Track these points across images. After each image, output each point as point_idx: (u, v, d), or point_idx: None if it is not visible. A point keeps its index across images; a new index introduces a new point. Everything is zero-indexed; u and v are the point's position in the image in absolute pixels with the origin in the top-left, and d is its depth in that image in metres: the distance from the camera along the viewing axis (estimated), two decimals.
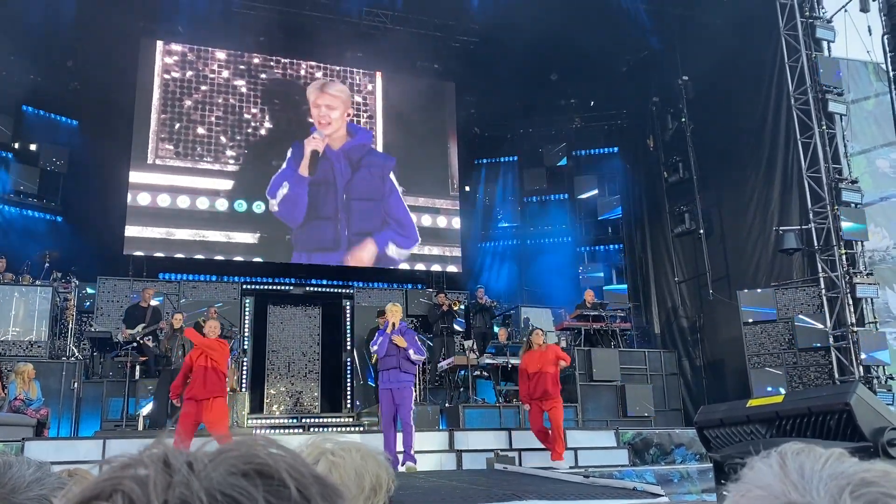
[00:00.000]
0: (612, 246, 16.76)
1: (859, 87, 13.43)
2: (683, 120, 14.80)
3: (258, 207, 13.76)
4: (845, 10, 12.06)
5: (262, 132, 14.27)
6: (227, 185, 13.76)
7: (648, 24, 13.78)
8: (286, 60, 14.65)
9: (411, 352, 7.99)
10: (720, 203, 14.15)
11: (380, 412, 8.31)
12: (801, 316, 11.74)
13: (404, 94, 15.21)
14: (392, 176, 14.64)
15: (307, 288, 14.42)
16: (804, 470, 0.62)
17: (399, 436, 7.90)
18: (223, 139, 13.95)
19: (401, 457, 7.78)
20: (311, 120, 14.50)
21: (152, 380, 10.67)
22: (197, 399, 7.54)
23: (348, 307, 14.29)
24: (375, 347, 8.11)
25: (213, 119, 13.95)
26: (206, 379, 7.56)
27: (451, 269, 14.93)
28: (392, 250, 14.36)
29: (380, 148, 14.89)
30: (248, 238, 13.65)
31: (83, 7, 12.57)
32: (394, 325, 8.05)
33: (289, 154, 14.03)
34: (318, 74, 14.84)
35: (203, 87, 14.05)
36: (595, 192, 16.97)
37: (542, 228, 16.94)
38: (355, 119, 14.86)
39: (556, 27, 13.68)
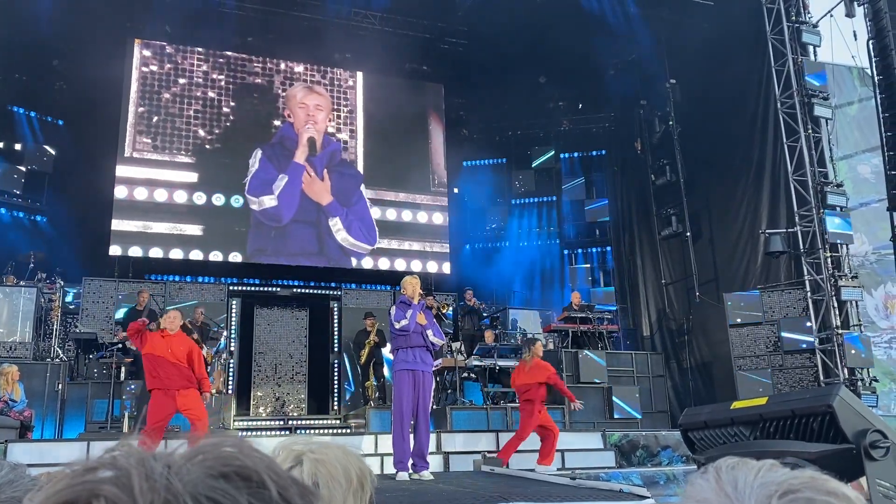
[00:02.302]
0: (599, 248, 16.82)
1: (843, 93, 13.55)
2: (671, 123, 14.87)
3: (236, 202, 13.72)
4: (831, 15, 12.16)
5: (240, 127, 14.18)
6: (206, 179, 13.66)
7: (636, 27, 13.84)
8: (270, 60, 14.60)
9: (430, 332, 6.90)
10: (708, 206, 14.22)
11: (396, 399, 6.87)
12: (785, 333, 11.81)
13: (392, 95, 15.19)
14: (363, 189, 14.59)
15: (294, 289, 14.37)
16: (737, 482, 0.65)
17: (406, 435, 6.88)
18: (202, 132, 13.88)
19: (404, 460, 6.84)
20: (289, 120, 14.38)
21: (138, 381, 10.60)
22: (165, 389, 7.22)
23: (335, 309, 14.25)
24: (405, 322, 6.78)
25: (191, 113, 13.88)
26: (165, 370, 7.21)
27: (432, 265, 14.85)
28: (349, 240, 14.24)
29: (360, 148, 14.84)
30: (228, 233, 13.56)
31: (70, 7, 12.49)
32: (421, 295, 7.09)
33: (259, 154, 13.87)
34: (299, 69, 14.80)
35: (182, 81, 13.95)
36: (583, 194, 17.03)
37: (529, 230, 16.97)
38: (336, 119, 14.83)
39: (545, 30, 13.72)
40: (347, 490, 1.25)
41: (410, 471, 6.82)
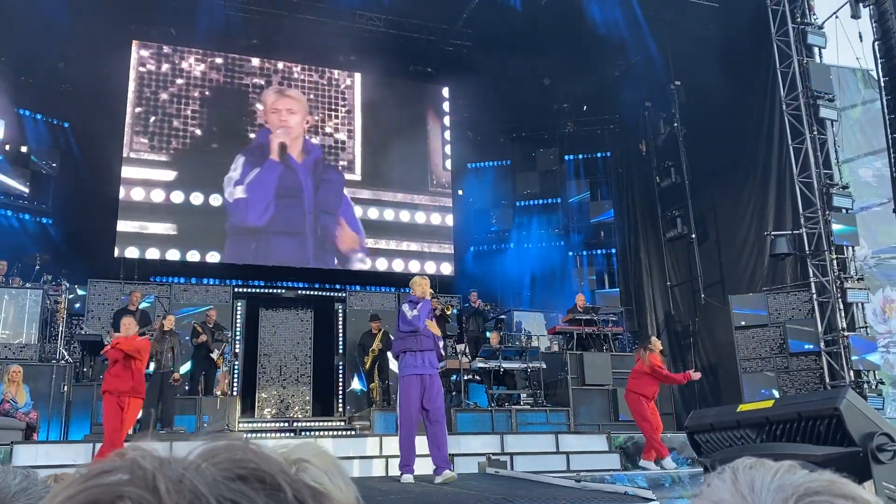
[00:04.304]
0: (604, 250, 16.80)
1: (846, 95, 13.49)
2: (676, 125, 14.85)
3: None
4: (836, 17, 12.14)
5: (238, 127, 14.17)
6: (204, 180, 13.68)
7: (640, 29, 13.83)
8: (268, 60, 14.61)
9: (440, 345, 6.94)
10: (714, 208, 14.19)
11: (404, 403, 6.73)
12: (789, 325, 11.80)
13: (391, 96, 15.18)
14: (345, 192, 14.53)
15: (299, 291, 14.37)
16: (754, 483, 0.64)
17: (414, 438, 6.74)
18: (199, 133, 13.90)
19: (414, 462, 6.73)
20: (266, 126, 14.27)
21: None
22: (113, 392, 7.45)
23: (340, 311, 14.25)
24: (415, 312, 6.65)
25: (188, 113, 13.90)
26: (121, 373, 7.45)
27: (430, 265, 14.83)
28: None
29: (358, 148, 14.83)
30: (225, 234, 13.57)
31: (75, 9, 12.54)
32: (433, 295, 6.88)
33: (241, 161, 13.79)
34: (297, 69, 14.82)
35: (179, 81, 13.98)
36: (587, 196, 17.02)
37: (534, 232, 16.97)
38: (334, 120, 14.83)
39: (549, 31, 13.72)
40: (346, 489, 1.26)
41: (418, 473, 6.84)
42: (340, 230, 14.19)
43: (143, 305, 12.06)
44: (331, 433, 12.28)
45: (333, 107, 14.90)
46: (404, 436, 6.75)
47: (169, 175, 13.49)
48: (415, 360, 6.65)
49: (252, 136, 14.24)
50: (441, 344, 6.90)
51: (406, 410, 6.70)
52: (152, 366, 10.07)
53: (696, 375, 9.18)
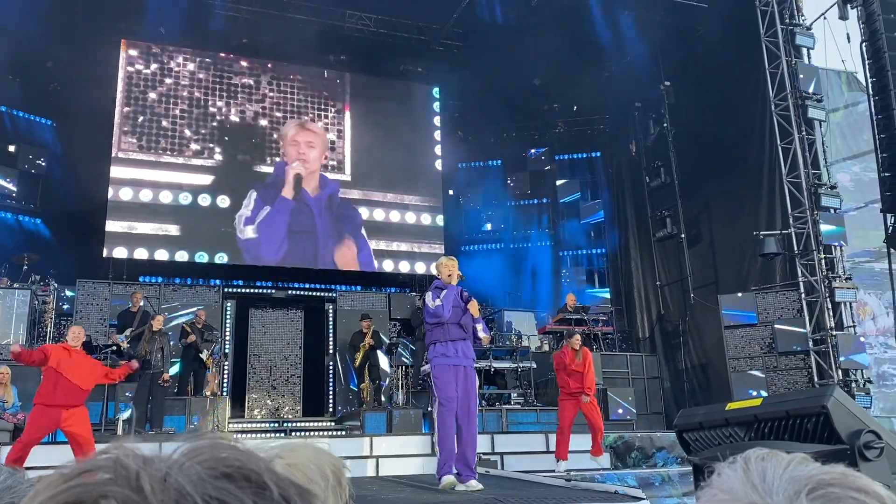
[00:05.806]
0: (594, 250, 16.84)
1: (829, 99, 13.57)
2: (665, 125, 14.91)
3: (223, 202, 13.69)
4: (824, 18, 12.22)
5: (226, 127, 14.14)
6: (193, 179, 13.62)
7: (630, 29, 13.87)
8: (257, 60, 14.56)
9: (479, 327, 6.02)
10: (707, 208, 14.23)
11: (442, 393, 5.83)
12: (777, 325, 11.86)
13: (382, 96, 15.16)
14: (363, 231, 14.43)
15: (289, 291, 14.34)
16: (766, 474, 0.64)
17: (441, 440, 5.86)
18: (188, 132, 13.84)
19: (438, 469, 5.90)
20: (283, 159, 14.18)
21: (132, 384, 10.56)
22: (52, 405, 6.93)
23: (331, 311, 14.22)
24: (438, 301, 5.85)
25: (176, 112, 13.84)
26: (63, 387, 6.97)
27: (421, 265, 14.80)
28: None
29: (348, 148, 14.78)
30: (214, 234, 13.48)
31: (63, 8, 12.47)
32: (460, 277, 6.09)
33: (254, 195, 13.72)
34: (287, 69, 14.78)
35: (168, 81, 13.91)
36: (578, 196, 17.06)
37: (524, 232, 16.99)
38: (324, 120, 14.79)
39: (539, 32, 13.74)
40: (326, 488, 1.25)
41: (412, 472, 6.76)
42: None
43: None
44: (321, 433, 12.27)
45: (323, 107, 14.86)
46: (444, 432, 5.82)
47: (158, 175, 13.43)
48: (446, 350, 5.90)
49: (250, 133, 14.18)
50: (481, 326, 6.05)
51: (445, 402, 5.82)
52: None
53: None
